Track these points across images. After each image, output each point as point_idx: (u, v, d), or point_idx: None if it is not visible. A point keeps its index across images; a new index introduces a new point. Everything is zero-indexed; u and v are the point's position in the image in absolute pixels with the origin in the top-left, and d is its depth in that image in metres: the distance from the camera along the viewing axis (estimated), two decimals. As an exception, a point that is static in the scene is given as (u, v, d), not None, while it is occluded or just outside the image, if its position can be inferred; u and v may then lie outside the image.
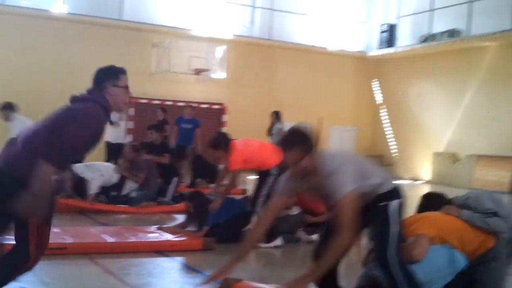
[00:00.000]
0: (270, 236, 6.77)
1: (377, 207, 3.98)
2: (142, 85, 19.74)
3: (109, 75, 4.34)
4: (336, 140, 22.78)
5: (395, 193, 4.08)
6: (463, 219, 4.42)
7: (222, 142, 6.98)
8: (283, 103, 20.08)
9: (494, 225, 4.32)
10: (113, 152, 12.73)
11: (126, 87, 4.30)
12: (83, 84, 16.41)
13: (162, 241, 6.74)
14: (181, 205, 8.82)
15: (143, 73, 19.90)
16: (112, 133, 12.85)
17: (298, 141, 3.81)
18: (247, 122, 20.92)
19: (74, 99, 4.27)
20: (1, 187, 3.67)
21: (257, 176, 7.31)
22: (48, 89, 18.32)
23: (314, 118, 20.76)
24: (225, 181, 7.46)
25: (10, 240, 3.91)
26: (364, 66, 23.26)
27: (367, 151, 23.10)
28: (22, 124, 9.83)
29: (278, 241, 6.98)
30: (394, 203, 4.01)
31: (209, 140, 7.11)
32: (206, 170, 12.82)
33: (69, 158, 3.92)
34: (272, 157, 7.07)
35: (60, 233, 6.71)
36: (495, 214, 4.38)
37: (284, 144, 3.85)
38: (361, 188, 3.87)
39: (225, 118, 20.34)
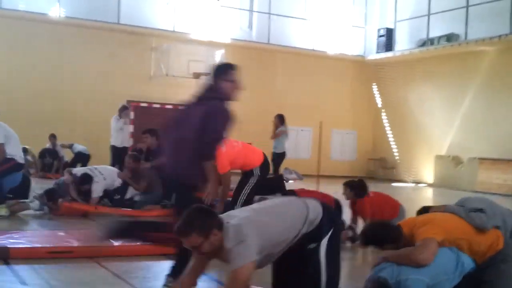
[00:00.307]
0: None
1: (305, 250, 3.63)
2: (141, 89, 19.72)
3: (220, 72, 5.21)
4: (337, 144, 22.81)
5: (325, 226, 3.70)
6: (446, 211, 4.50)
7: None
8: (283, 107, 20.01)
9: (476, 219, 4.32)
10: (119, 156, 12.73)
11: (235, 81, 5.22)
12: (80, 86, 16.54)
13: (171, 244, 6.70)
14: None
15: (142, 77, 19.87)
16: (118, 138, 12.83)
17: (196, 224, 3.41)
18: (247, 126, 20.85)
19: (200, 99, 4.99)
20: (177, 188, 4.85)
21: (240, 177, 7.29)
22: (44, 91, 18.28)
23: (314, 122, 20.80)
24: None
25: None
26: (363, 70, 23.29)
27: (368, 154, 23.16)
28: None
29: None
30: (324, 242, 3.66)
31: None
32: None
33: (215, 149, 4.83)
34: (255, 157, 7.09)
35: (65, 237, 6.68)
36: (481, 211, 4.41)
37: (180, 230, 3.45)
38: (271, 247, 3.52)
39: (225, 122, 20.27)
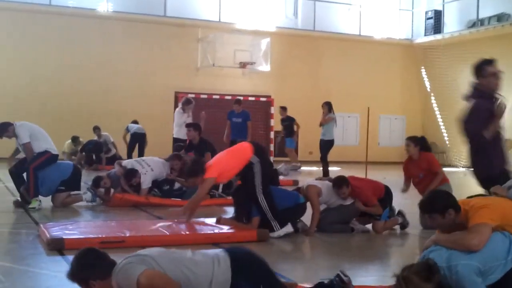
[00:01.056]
0: (280, 223, 6.77)
1: None
2: (188, 80, 19.94)
3: (476, 70, 5.73)
4: (385, 130, 22.59)
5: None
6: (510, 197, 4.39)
7: (200, 168, 6.93)
8: (330, 94, 19.96)
9: None
10: (181, 148, 12.98)
11: (494, 74, 5.70)
12: (128, 79, 16.83)
13: (219, 233, 6.78)
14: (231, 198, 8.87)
15: (188, 68, 20.08)
16: (180, 131, 13.01)
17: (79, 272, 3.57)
18: (294, 113, 20.85)
19: (469, 98, 5.76)
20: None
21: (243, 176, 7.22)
22: (93, 85, 18.66)
23: (361, 107, 20.65)
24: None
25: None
26: (411, 53, 22.96)
27: (417, 140, 22.83)
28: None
29: (288, 228, 6.89)
30: None
31: (188, 170, 7.05)
32: None
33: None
34: (245, 151, 7.01)
35: (117, 227, 6.84)
36: None
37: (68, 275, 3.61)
38: None
39: (273, 110, 20.32)
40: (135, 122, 16.58)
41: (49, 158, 8.64)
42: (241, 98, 15.11)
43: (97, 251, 3.67)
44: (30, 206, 8.40)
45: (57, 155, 8.83)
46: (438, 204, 4.23)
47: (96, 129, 16.53)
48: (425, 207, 4.32)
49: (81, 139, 16.67)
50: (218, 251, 3.68)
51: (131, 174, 9.25)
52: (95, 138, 16.47)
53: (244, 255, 3.68)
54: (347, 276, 4.07)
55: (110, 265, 3.52)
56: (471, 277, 3.86)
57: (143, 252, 3.56)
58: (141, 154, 15.54)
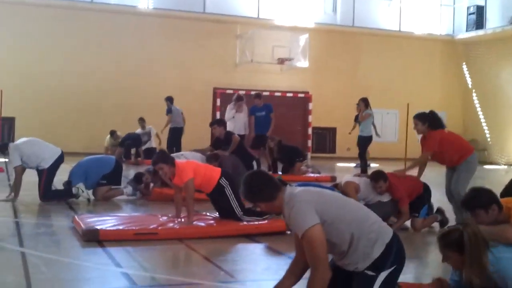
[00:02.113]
0: None
1: (362, 274, 3.49)
2: (227, 76, 20.02)
3: None
4: (425, 126, 22.32)
5: (390, 258, 3.50)
6: None
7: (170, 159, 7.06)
8: (369, 90, 19.78)
9: None
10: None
11: None
12: (167, 76, 17.06)
13: (248, 225, 6.85)
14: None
15: (227, 64, 20.16)
16: (229, 126, 13.23)
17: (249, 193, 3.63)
18: (332, 110, 20.82)
19: None
20: None
21: (213, 199, 7.34)
22: (132, 82, 18.86)
23: (400, 104, 20.43)
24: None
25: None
26: (453, 49, 22.61)
27: (457, 137, 22.51)
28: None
29: None
30: (383, 275, 3.47)
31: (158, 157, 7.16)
32: (290, 153, 12.97)
33: None
34: (214, 172, 7.17)
35: (151, 219, 6.95)
36: None
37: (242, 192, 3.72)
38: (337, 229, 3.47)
39: (311, 106, 20.28)
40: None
41: (58, 158, 8.84)
42: (260, 92, 15.16)
43: (264, 174, 3.73)
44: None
45: (62, 155, 8.98)
46: (482, 199, 4.19)
47: (141, 120, 16.77)
48: (468, 203, 4.27)
49: (118, 133, 16.89)
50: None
51: None
52: (137, 130, 16.66)
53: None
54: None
55: (275, 188, 3.57)
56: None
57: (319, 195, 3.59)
58: (178, 148, 15.68)
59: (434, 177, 8.13)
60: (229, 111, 13.88)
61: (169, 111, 16.26)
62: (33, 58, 18.11)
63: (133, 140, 16.20)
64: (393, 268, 3.49)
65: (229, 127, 13.69)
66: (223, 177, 7.10)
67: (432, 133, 7.51)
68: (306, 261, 3.54)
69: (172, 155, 10.21)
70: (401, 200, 7.25)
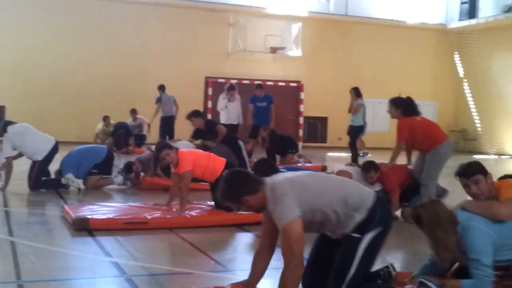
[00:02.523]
0: None
1: (348, 236, 3.62)
2: (219, 65, 19.95)
3: None
4: (416, 116, 22.35)
5: (374, 221, 3.63)
6: None
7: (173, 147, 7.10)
8: (361, 79, 19.80)
9: None
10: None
11: None
12: (159, 65, 16.96)
13: (239, 214, 6.83)
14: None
15: (219, 53, 20.09)
16: (223, 115, 13.21)
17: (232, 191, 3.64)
18: (324, 99, 20.80)
19: None
20: None
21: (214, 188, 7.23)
22: (125, 70, 18.77)
23: (393, 93, 20.40)
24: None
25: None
26: (445, 39, 22.61)
27: (449, 126, 22.53)
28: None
29: None
30: (368, 237, 3.59)
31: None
32: (283, 144, 12.93)
33: None
34: (218, 163, 7.14)
35: (141, 209, 6.95)
36: None
37: (220, 195, 3.75)
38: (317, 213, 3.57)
39: (302, 95, 20.25)
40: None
41: (54, 148, 8.86)
42: (261, 82, 15.06)
43: (243, 170, 3.88)
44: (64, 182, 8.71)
45: (56, 144, 8.96)
46: (482, 166, 4.27)
47: (133, 112, 16.70)
48: (469, 169, 4.26)
49: (111, 121, 16.78)
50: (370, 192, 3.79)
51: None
52: (129, 121, 16.61)
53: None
54: (395, 271, 4.08)
55: (256, 180, 3.63)
56: (481, 242, 3.80)
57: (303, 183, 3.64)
58: (171, 136, 15.65)
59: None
60: (221, 101, 13.81)
61: (158, 101, 16.21)
62: (23, 46, 17.98)
63: (125, 131, 16.11)
64: (378, 230, 3.61)
65: (222, 117, 13.68)
66: (226, 170, 7.06)
67: (402, 120, 7.49)
68: (273, 235, 3.67)
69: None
70: (392, 191, 7.26)
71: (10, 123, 9.11)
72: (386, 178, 7.28)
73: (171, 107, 16.21)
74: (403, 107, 7.58)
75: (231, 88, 13.74)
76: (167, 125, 16.04)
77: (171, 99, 16.25)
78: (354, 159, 13.29)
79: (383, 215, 3.67)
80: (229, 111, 13.58)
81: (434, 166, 7.29)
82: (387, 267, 4.03)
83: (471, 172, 4.25)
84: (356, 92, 13.85)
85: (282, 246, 3.50)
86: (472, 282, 3.76)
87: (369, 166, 7.35)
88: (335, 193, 3.63)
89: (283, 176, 3.71)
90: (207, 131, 10.63)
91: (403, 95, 12.81)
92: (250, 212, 3.79)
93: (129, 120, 16.68)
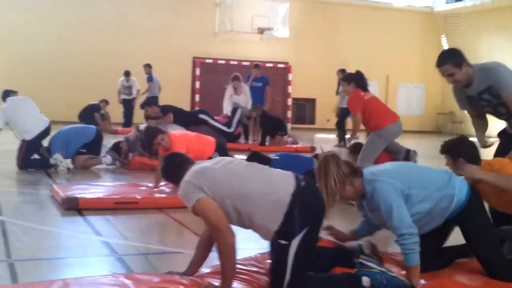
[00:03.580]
0: None
1: (276, 243, 3.38)
2: (206, 46, 19.87)
3: None
4: (404, 98, 22.45)
5: (296, 223, 3.32)
6: None
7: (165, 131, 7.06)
8: (348, 61, 19.76)
9: None
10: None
11: None
12: (146, 45, 16.79)
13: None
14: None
15: (206, 33, 19.99)
16: (229, 107, 12.92)
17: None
18: (312, 80, 20.81)
19: None
20: None
21: None
22: (108, 50, 18.65)
23: (380, 76, 20.52)
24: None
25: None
26: (432, 21, 22.66)
27: (437, 109, 22.70)
28: None
29: None
30: (295, 243, 3.31)
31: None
32: (273, 125, 12.93)
33: None
34: (208, 144, 7.17)
35: (131, 189, 6.95)
36: None
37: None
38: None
39: (290, 77, 20.23)
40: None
41: (47, 129, 8.84)
42: (259, 63, 14.97)
43: (176, 158, 3.73)
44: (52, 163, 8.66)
45: (49, 126, 8.91)
46: (466, 147, 4.16)
47: (126, 74, 16.49)
48: (451, 149, 4.20)
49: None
50: (288, 173, 3.54)
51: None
52: (120, 79, 16.44)
53: (310, 187, 3.50)
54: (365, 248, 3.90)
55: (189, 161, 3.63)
56: (388, 194, 3.71)
57: (206, 169, 3.48)
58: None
59: (414, 148, 8.18)
60: (228, 92, 13.41)
61: (150, 79, 16.08)
62: (8, 24, 17.79)
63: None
64: (304, 231, 3.33)
65: (227, 109, 13.17)
66: (216, 152, 7.07)
67: (353, 93, 7.42)
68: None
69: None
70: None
71: (10, 92, 9.05)
72: (376, 160, 7.31)
73: (157, 89, 16.13)
74: (355, 81, 7.50)
75: (235, 78, 13.22)
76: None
77: (158, 80, 16.17)
78: (341, 139, 13.34)
79: (305, 213, 3.35)
80: (234, 100, 13.02)
81: (371, 148, 7.12)
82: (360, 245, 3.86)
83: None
84: (343, 74, 13.83)
85: (206, 226, 3.46)
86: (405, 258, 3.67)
87: (357, 148, 7.38)
88: (245, 188, 3.39)
89: (193, 168, 3.53)
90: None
91: (391, 78, 12.83)
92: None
93: (121, 79, 16.53)
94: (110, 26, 18.79)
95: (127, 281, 3.48)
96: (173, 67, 19.17)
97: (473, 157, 4.13)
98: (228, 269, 3.40)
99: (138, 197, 6.45)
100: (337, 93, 13.93)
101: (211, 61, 19.53)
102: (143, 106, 10.43)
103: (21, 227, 5.29)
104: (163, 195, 6.67)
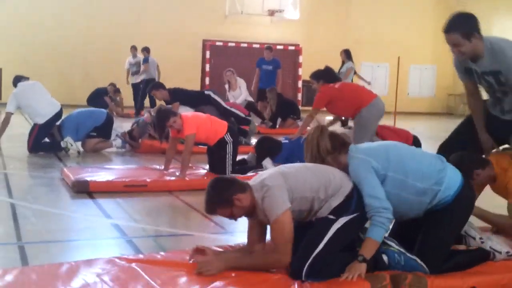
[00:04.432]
0: None
1: (325, 217, 3.50)
2: (216, 28, 19.78)
3: None
4: (415, 79, 22.32)
5: (350, 207, 3.50)
6: None
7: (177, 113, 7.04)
8: (359, 42, 19.71)
9: None
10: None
11: None
12: (156, 28, 16.65)
13: (240, 177, 6.88)
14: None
15: (216, 15, 19.89)
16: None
17: (215, 199, 3.52)
18: (323, 62, 20.57)
19: None
20: None
21: (211, 151, 7.26)
22: (121, 33, 18.61)
23: (391, 57, 20.34)
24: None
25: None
26: (444, 2, 22.39)
27: (448, 90, 22.54)
28: None
29: None
30: (342, 220, 3.46)
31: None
32: (288, 108, 12.87)
33: None
34: (220, 126, 7.10)
35: (140, 172, 6.99)
36: None
37: (207, 211, 3.58)
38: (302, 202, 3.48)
39: (301, 59, 20.14)
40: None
41: (58, 113, 8.86)
42: (271, 45, 14.86)
43: (225, 178, 3.78)
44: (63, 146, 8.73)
45: (61, 110, 8.95)
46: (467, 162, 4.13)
47: (133, 48, 16.34)
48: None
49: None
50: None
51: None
52: (128, 58, 16.39)
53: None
54: None
55: (241, 181, 3.59)
56: (359, 171, 3.57)
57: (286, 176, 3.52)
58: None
59: (424, 130, 8.16)
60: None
61: (145, 61, 16.02)
62: (19, 8, 17.80)
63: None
64: (354, 215, 3.49)
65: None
66: (228, 133, 7.05)
67: (322, 88, 7.37)
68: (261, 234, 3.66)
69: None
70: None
71: (22, 78, 9.09)
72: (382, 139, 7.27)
73: (154, 71, 16.00)
74: (323, 78, 7.48)
75: (227, 71, 13.07)
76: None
77: (155, 63, 16.05)
78: (345, 123, 13.31)
79: (361, 202, 3.53)
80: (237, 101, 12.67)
81: (360, 133, 6.98)
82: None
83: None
84: (347, 55, 13.68)
85: (273, 236, 3.46)
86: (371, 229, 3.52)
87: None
88: (319, 181, 3.53)
89: (268, 171, 3.65)
90: (172, 102, 10.02)
91: (402, 59, 12.76)
92: (242, 216, 3.62)
93: (129, 57, 16.47)
94: (120, 10, 18.74)
95: (138, 262, 3.53)
96: (183, 49, 19.13)
97: (481, 163, 4.22)
98: (253, 267, 3.48)
99: (147, 180, 6.48)
100: (338, 73, 13.85)
101: (221, 43, 19.46)
102: (150, 90, 10.40)
103: (31, 210, 5.34)
104: (173, 178, 6.69)
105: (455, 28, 4.11)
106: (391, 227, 3.72)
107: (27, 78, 9.33)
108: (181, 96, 10.07)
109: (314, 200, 3.49)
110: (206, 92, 10.73)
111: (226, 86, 13.19)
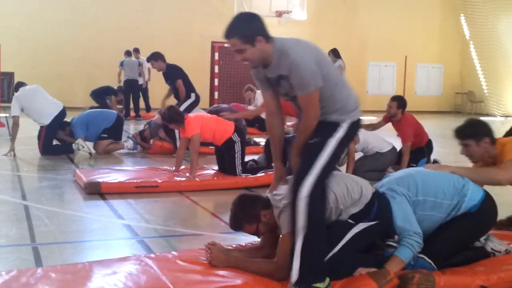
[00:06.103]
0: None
1: (345, 221, 3.53)
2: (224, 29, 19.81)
3: None
4: (423, 78, 22.29)
5: (370, 214, 3.56)
6: None
7: (178, 116, 7.08)
8: (366, 42, 19.73)
9: None
10: None
11: None
12: (165, 30, 16.59)
13: (247, 178, 6.94)
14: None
15: (225, 17, 19.77)
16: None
17: (241, 217, 3.58)
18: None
19: None
20: None
21: (219, 152, 7.33)
22: (130, 34, 18.70)
23: (399, 56, 20.36)
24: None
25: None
26: (451, 1, 22.39)
27: (455, 88, 22.50)
28: None
29: None
30: (360, 226, 3.52)
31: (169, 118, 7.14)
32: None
33: None
34: (227, 126, 7.16)
35: (152, 173, 7.05)
36: None
37: (233, 228, 3.68)
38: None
39: (308, 59, 20.13)
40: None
41: (61, 112, 8.96)
42: None
43: (249, 195, 3.84)
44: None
45: (64, 110, 9.05)
46: (475, 130, 4.23)
47: (135, 51, 16.40)
48: (461, 132, 4.26)
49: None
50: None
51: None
52: (126, 58, 16.41)
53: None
54: None
55: (262, 197, 3.63)
56: (397, 201, 3.67)
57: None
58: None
59: (432, 130, 8.19)
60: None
61: (121, 64, 16.09)
62: (31, 12, 17.92)
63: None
64: (372, 223, 3.54)
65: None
66: (235, 133, 7.12)
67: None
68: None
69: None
70: (405, 138, 7.44)
71: (22, 84, 9.18)
72: (403, 124, 7.39)
73: (135, 72, 15.94)
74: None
75: (247, 89, 12.99)
76: (131, 89, 15.87)
77: (135, 64, 16.01)
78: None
79: (381, 211, 3.59)
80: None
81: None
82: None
83: (461, 136, 4.26)
84: (335, 53, 13.65)
85: (278, 250, 3.47)
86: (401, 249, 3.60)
87: (397, 98, 7.84)
88: (337, 190, 3.53)
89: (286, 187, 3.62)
90: (167, 75, 9.99)
91: (409, 58, 12.75)
92: (266, 232, 3.67)
93: (127, 58, 16.47)
94: (129, 11, 18.84)
95: (150, 262, 3.59)
96: (192, 51, 19.20)
97: (483, 135, 4.25)
98: (251, 270, 3.50)
99: (159, 181, 6.55)
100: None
101: (228, 45, 19.50)
102: (149, 59, 10.40)
103: (45, 211, 5.42)
104: (183, 179, 6.76)
105: (234, 33, 3.49)
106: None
107: (26, 84, 9.36)
108: (182, 74, 10.02)
109: (332, 210, 3.50)
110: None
111: (247, 106, 12.86)
